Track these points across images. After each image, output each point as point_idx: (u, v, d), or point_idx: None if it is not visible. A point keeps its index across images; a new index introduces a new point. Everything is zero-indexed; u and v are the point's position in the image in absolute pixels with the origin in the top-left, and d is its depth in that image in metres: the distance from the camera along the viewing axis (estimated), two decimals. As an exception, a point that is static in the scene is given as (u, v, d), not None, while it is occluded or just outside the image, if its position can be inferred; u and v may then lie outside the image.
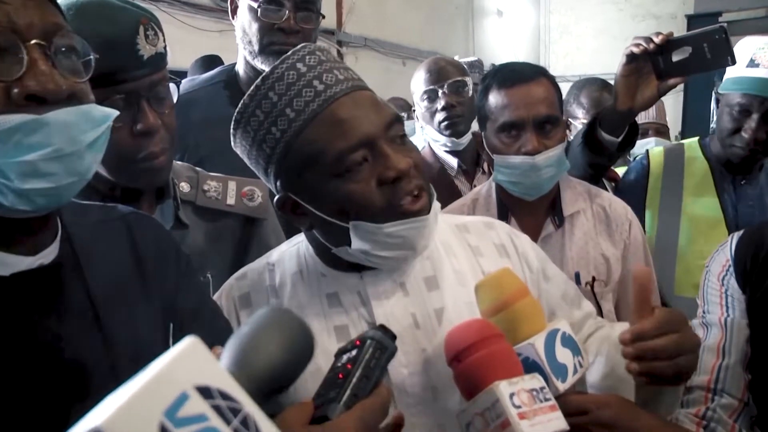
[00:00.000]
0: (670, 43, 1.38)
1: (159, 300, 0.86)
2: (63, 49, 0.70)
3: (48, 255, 0.76)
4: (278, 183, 0.92)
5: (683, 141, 1.88)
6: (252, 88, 0.90)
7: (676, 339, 0.83)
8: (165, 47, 1.10)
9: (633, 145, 1.60)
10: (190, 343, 0.49)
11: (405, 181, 0.87)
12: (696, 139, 1.83)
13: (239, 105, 0.92)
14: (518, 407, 0.74)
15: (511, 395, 0.75)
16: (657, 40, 1.38)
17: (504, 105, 1.43)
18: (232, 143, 0.95)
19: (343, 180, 0.86)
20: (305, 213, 0.92)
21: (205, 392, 0.47)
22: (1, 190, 0.65)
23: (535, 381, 0.78)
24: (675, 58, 1.39)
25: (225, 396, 0.48)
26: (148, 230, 0.91)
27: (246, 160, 0.96)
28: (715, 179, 1.71)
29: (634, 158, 2.10)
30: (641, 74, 1.45)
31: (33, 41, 0.66)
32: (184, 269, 0.93)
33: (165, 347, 0.81)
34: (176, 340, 0.83)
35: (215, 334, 0.89)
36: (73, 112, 0.68)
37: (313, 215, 0.91)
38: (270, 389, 0.60)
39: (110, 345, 0.78)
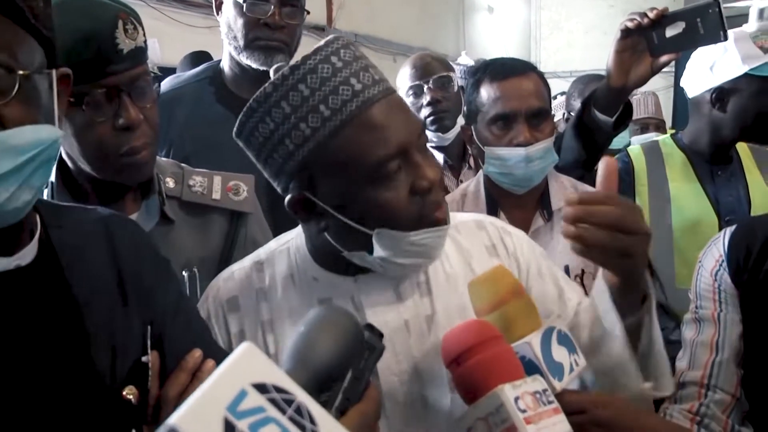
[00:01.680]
0: (664, 19, 1.39)
1: (136, 302, 0.84)
2: None
3: (25, 256, 0.74)
4: (292, 181, 0.87)
5: (656, 139, 1.93)
6: (277, 76, 0.84)
7: (624, 212, 0.79)
8: (145, 42, 1.09)
9: (627, 125, 1.61)
10: (245, 347, 0.54)
11: (435, 191, 0.86)
12: (668, 135, 1.87)
13: (257, 93, 0.85)
14: (524, 411, 0.72)
15: (516, 399, 0.73)
16: (652, 15, 1.39)
17: (496, 97, 1.45)
18: (235, 132, 0.89)
19: (377, 187, 0.83)
20: (322, 214, 0.88)
21: (261, 388, 0.52)
22: None
23: (537, 383, 0.76)
24: (669, 33, 1.40)
25: (279, 390, 0.53)
26: (127, 232, 0.89)
27: (251, 152, 0.90)
28: (694, 170, 1.75)
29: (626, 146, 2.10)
30: (635, 51, 1.45)
31: None
32: (162, 272, 0.91)
33: (143, 349, 0.82)
34: (153, 342, 0.83)
35: (192, 336, 0.88)
36: None
37: (333, 218, 0.87)
38: (326, 381, 0.65)
39: (89, 347, 0.76)
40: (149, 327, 0.84)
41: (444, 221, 0.88)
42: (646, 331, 0.88)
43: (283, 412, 0.52)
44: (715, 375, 1.10)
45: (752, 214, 1.67)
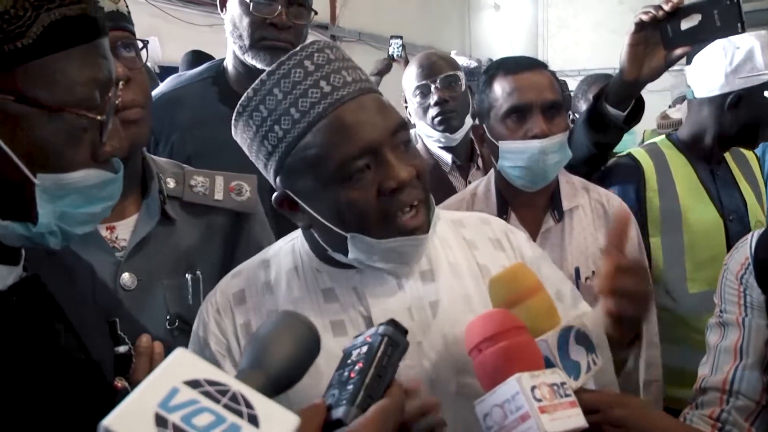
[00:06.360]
0: (680, 11, 1.38)
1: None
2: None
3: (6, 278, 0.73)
4: (277, 179, 0.92)
5: (653, 140, 1.91)
6: (257, 81, 0.89)
7: (646, 285, 0.92)
8: (128, 12, 1.11)
9: (639, 120, 1.59)
10: (177, 352, 0.56)
11: (405, 192, 0.87)
12: (663, 137, 1.87)
13: (243, 97, 0.90)
14: (539, 401, 0.73)
15: (533, 388, 0.74)
16: (667, 7, 1.38)
17: (511, 90, 1.44)
18: (233, 133, 0.95)
19: (344, 187, 0.86)
20: (304, 212, 0.92)
21: (194, 384, 0.53)
22: (55, 234, 0.69)
23: (556, 375, 0.77)
24: (684, 26, 1.38)
25: (212, 383, 0.54)
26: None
27: (246, 152, 0.96)
28: (695, 171, 1.75)
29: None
30: (649, 44, 1.45)
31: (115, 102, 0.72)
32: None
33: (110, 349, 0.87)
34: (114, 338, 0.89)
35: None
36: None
37: (312, 217, 0.91)
38: (284, 383, 0.65)
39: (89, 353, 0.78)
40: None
41: (418, 230, 0.89)
42: (633, 359, 0.98)
43: (217, 401, 0.53)
44: (737, 381, 1.07)
45: (748, 212, 1.71)
